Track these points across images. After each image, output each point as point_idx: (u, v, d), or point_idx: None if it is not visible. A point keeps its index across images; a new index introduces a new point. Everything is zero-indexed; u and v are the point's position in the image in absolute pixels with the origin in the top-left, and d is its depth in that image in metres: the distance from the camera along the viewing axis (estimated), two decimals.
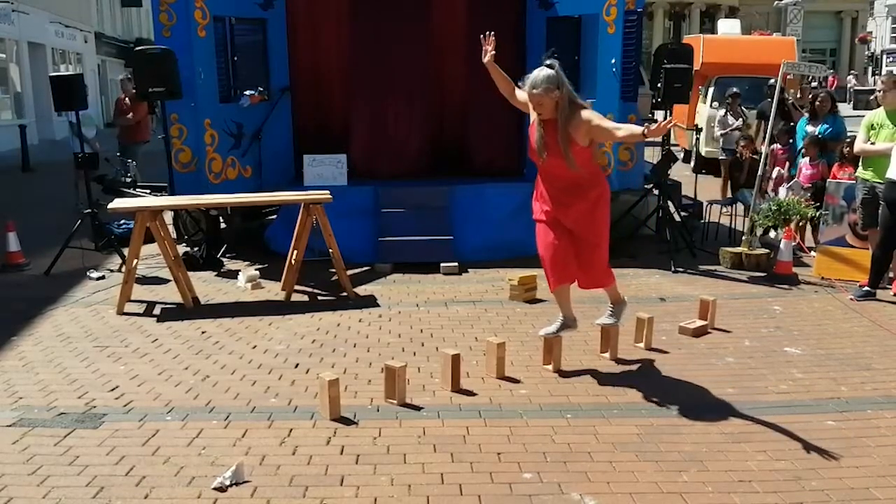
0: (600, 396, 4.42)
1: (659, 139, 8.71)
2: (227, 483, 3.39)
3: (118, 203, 6.33)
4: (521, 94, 4.62)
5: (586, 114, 4.40)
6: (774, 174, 8.55)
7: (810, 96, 10.41)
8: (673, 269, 7.30)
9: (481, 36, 4.81)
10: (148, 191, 8.71)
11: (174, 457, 3.67)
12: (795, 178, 8.22)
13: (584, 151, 4.48)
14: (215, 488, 3.36)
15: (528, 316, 5.91)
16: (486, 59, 4.77)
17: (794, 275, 6.95)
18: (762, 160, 7.79)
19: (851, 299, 6.34)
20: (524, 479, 3.47)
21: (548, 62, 4.43)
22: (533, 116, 4.58)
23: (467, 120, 8.48)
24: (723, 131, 11.18)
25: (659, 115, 10.73)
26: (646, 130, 4.08)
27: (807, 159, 8.25)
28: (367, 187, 7.75)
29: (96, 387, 4.54)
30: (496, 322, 5.80)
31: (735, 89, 11.60)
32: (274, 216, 8.37)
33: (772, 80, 11.47)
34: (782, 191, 8.14)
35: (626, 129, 4.38)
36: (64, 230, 7.61)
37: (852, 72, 39.28)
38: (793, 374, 4.76)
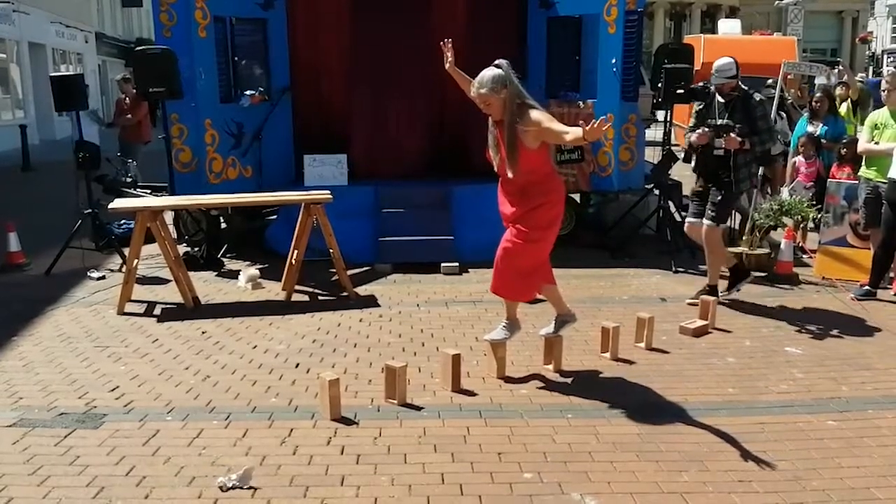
0: (601, 396, 4.41)
1: (659, 138, 8.72)
2: (230, 485, 3.37)
3: (119, 203, 6.33)
4: None
5: (536, 115, 4.18)
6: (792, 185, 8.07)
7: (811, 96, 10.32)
8: (673, 269, 7.31)
9: (441, 43, 4.70)
10: (148, 191, 8.70)
11: (175, 457, 3.67)
12: (796, 179, 8.20)
13: (532, 155, 4.25)
14: (220, 486, 3.36)
15: (529, 316, 5.90)
16: (447, 67, 4.67)
17: (795, 275, 6.95)
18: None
19: (852, 299, 6.34)
20: (525, 479, 3.47)
21: (496, 62, 4.30)
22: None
23: (467, 120, 8.43)
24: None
25: (660, 115, 10.69)
26: (583, 133, 3.85)
27: (802, 157, 8.23)
28: (368, 187, 7.75)
29: (97, 387, 4.54)
30: (496, 322, 5.77)
31: None
32: (274, 216, 8.37)
33: (770, 81, 11.40)
34: (784, 192, 8.12)
35: (572, 133, 4.03)
36: (64, 230, 7.61)
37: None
38: (793, 373, 4.76)
